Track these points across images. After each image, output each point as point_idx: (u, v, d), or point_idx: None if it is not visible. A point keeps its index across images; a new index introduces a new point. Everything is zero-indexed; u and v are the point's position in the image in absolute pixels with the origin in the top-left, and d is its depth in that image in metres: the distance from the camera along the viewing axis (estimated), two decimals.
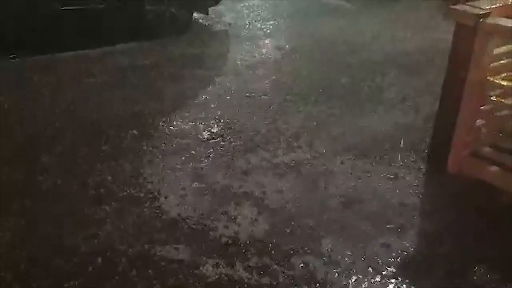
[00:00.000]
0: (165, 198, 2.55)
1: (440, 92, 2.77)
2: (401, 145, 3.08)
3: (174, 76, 3.95)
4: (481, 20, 2.42)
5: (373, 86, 3.96)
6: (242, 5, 6.43)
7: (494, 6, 2.59)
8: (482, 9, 2.48)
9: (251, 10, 6.28)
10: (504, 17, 2.54)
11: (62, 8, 4.36)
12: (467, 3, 2.58)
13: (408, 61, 4.44)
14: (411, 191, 2.67)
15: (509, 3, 2.71)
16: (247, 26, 5.47)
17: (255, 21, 5.77)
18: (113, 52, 4.32)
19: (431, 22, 5.55)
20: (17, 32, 4.10)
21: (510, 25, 2.35)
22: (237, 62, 4.39)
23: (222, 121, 3.33)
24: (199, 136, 3.14)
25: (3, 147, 2.86)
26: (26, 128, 3.08)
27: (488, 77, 2.56)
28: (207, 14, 5.47)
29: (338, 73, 4.17)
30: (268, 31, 5.24)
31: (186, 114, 3.39)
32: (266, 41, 4.92)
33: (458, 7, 2.54)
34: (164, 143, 3.03)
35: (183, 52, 4.48)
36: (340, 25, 5.39)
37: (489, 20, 2.42)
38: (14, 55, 3.99)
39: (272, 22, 5.60)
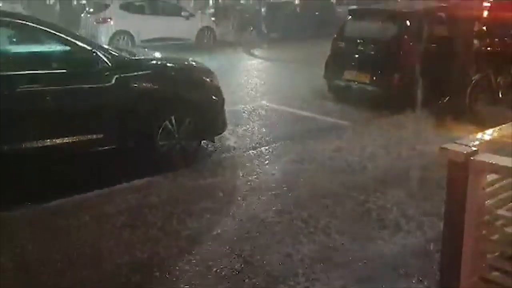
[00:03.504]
0: None
1: (442, 211, 2.97)
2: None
3: (188, 210, 4.16)
4: (471, 158, 2.70)
5: (376, 208, 4.18)
6: (243, 128, 6.88)
7: (482, 141, 2.89)
8: (470, 147, 2.78)
9: (253, 133, 6.71)
10: (493, 151, 2.84)
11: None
12: (456, 141, 2.88)
13: (407, 179, 4.71)
14: None
15: (495, 136, 3.03)
16: (251, 150, 5.82)
17: (258, 144, 6.16)
18: (128, 190, 4.57)
19: (422, 135, 5.94)
20: (40, 179, 4.41)
21: (499, 162, 2.62)
22: (245, 189, 4.63)
23: (239, 255, 3.48)
24: (219, 273, 3.28)
25: None
26: (51, 278, 3.21)
27: (486, 205, 2.80)
28: (214, 142, 5.88)
29: (341, 196, 4.41)
30: (271, 154, 5.56)
31: (205, 251, 3.55)
32: (270, 166, 5.22)
33: (448, 146, 2.84)
34: (187, 283, 3.17)
35: (194, 184, 4.75)
36: (338, 145, 5.75)
37: (479, 158, 2.70)
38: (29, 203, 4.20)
39: (273, 145, 5.97)
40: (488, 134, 3.04)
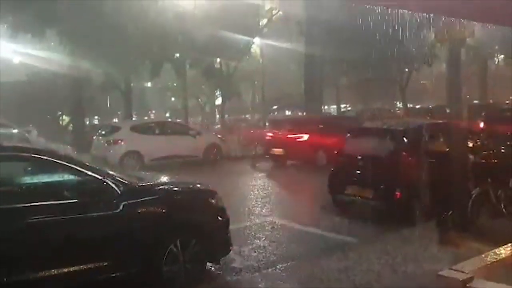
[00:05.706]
0: None
1: None
2: None
3: None
4: (468, 285, 2.75)
5: None
6: (249, 247, 6.87)
7: (478, 267, 2.96)
8: (467, 273, 2.84)
9: (259, 252, 6.68)
10: (490, 276, 2.89)
11: None
12: (452, 267, 2.95)
13: None
14: None
15: (491, 260, 3.09)
16: (257, 272, 5.78)
17: (264, 264, 6.11)
18: None
19: (428, 252, 5.94)
20: None
21: None
22: None
23: None
24: None
25: None
26: None
27: None
28: (219, 263, 5.86)
29: None
30: (278, 276, 5.53)
31: None
32: None
33: (444, 273, 2.91)
34: None
35: None
36: (345, 264, 5.74)
37: (476, 285, 2.76)
38: None
39: (280, 265, 5.94)
40: (484, 258, 3.11)
